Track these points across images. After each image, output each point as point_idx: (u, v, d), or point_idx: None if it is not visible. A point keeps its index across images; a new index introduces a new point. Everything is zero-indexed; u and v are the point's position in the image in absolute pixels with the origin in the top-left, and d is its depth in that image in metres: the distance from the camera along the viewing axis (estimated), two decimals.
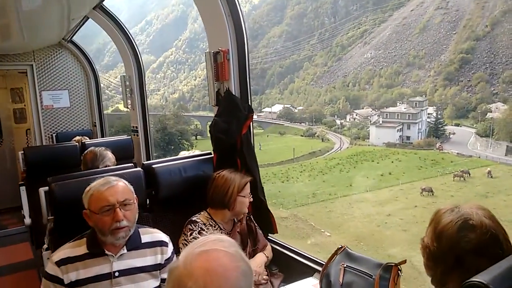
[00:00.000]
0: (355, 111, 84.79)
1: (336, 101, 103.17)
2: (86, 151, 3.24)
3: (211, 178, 2.47)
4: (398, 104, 68.09)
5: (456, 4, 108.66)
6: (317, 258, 2.42)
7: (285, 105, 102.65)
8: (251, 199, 2.48)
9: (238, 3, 2.66)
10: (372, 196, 33.23)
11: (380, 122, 56.56)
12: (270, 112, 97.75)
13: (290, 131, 77.63)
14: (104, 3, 4.46)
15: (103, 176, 1.93)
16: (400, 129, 52.90)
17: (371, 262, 1.83)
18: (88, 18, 4.83)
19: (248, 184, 2.45)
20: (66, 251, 1.83)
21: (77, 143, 4.22)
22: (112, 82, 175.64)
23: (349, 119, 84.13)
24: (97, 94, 6.58)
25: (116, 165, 3.13)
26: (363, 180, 37.32)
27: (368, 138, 59.87)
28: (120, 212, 1.80)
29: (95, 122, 6.57)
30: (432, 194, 31.51)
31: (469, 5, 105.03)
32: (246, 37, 2.72)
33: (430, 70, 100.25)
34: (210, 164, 2.78)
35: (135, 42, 4.90)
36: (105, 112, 7.10)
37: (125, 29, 4.85)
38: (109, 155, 3.21)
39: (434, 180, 34.95)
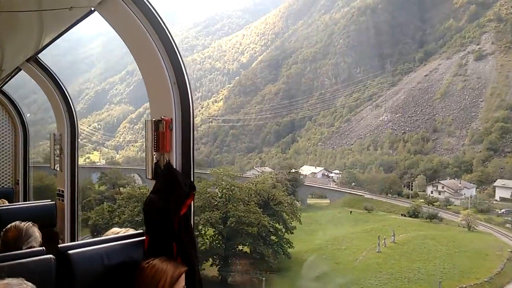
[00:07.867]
0: (440, 182, 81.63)
1: (366, 166, 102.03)
2: (8, 227, 3.12)
3: (139, 268, 2.30)
4: None
5: (476, 71, 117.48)
6: None
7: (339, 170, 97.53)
8: None
9: (186, 72, 2.69)
10: None
11: None
12: (309, 175, 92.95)
13: (378, 206, 71.21)
14: (39, 55, 4.60)
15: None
16: None
17: None
18: (20, 69, 5.00)
19: (183, 276, 2.31)
20: None
21: None
22: (84, 130, 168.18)
23: (431, 191, 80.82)
24: (25, 148, 6.54)
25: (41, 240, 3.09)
26: None
27: None
28: None
29: (18, 180, 6.51)
30: None
31: (491, 73, 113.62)
32: (193, 107, 2.72)
33: (463, 137, 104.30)
34: (140, 249, 2.57)
35: (71, 99, 4.92)
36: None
37: (61, 84, 4.87)
38: (36, 234, 3.11)
39: None
